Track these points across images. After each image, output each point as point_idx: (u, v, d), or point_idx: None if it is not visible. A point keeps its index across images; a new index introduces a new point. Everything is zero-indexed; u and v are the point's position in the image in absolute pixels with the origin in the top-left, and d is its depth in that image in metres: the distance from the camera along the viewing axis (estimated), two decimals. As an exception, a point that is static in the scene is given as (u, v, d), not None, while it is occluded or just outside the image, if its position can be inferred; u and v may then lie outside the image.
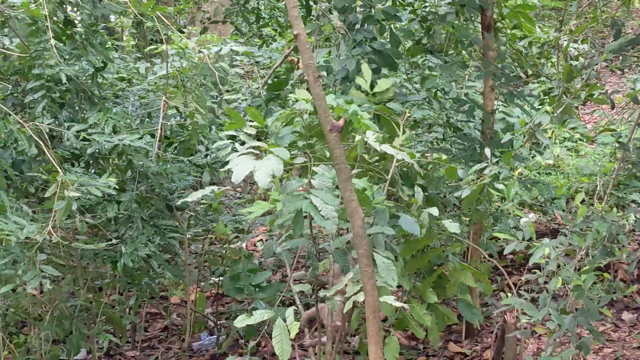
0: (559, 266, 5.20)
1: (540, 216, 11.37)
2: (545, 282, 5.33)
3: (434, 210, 6.65)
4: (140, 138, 7.80)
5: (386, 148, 6.07)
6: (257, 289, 7.91)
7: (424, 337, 8.04)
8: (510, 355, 7.76)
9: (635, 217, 5.52)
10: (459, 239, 7.84)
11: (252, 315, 6.40)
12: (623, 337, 8.95)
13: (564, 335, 5.43)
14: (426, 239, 7.25)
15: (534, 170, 12.55)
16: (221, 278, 9.69)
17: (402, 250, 7.39)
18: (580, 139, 14.05)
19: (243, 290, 8.11)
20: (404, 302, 7.72)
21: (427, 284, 7.53)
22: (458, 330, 9.06)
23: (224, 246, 9.73)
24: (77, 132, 7.26)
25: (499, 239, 9.80)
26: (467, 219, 8.59)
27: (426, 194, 7.27)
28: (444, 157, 6.34)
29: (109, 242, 7.07)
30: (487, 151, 6.47)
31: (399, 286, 8.91)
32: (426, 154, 8.02)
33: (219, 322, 9.52)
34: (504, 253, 5.38)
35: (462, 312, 7.88)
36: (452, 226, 6.63)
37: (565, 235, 5.23)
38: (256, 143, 6.05)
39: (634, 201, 5.62)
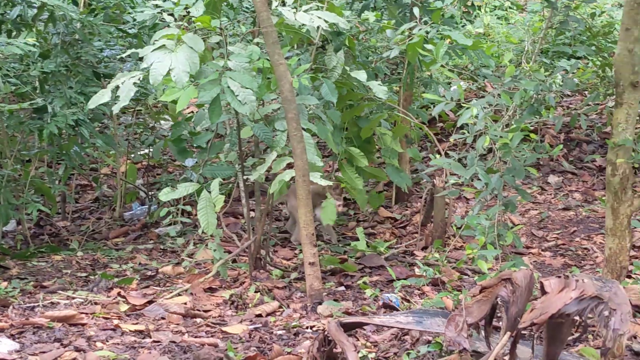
0: (486, 126, 5.25)
1: (470, 84, 11.43)
2: (474, 142, 5.39)
3: (362, 75, 6.63)
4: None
5: (301, 17, 5.98)
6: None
7: (360, 195, 8.14)
8: (439, 217, 7.90)
9: (562, 76, 5.56)
10: (390, 105, 7.87)
11: (176, 188, 6.38)
12: (549, 199, 9.15)
13: (491, 195, 5.51)
14: (352, 96, 7.26)
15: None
16: (151, 149, 9.64)
17: (337, 103, 7.40)
18: (510, 7, 14.04)
19: (187, 151, 8.08)
20: (336, 167, 7.82)
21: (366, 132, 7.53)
22: (388, 196, 9.16)
23: (155, 116, 9.63)
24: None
25: (430, 106, 9.85)
26: (399, 86, 8.61)
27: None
28: (372, 19, 6.28)
29: (33, 102, 6.94)
30: (416, 10, 6.43)
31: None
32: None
33: (150, 192, 9.48)
34: (432, 114, 5.40)
35: (390, 176, 7.98)
36: (380, 90, 6.64)
37: (494, 96, 5.26)
38: (170, 31, 5.90)
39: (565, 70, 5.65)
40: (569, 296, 3.33)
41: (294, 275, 6.95)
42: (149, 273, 7.21)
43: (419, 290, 6.67)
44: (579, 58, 9.15)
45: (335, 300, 6.37)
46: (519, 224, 5.34)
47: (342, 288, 6.76)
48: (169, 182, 9.51)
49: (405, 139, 8.63)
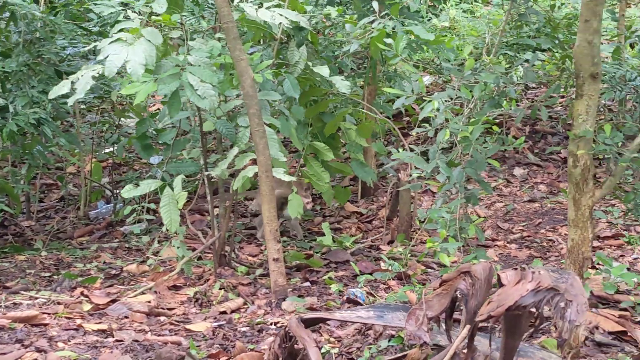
0: (447, 119, 5.24)
1: (437, 78, 11.44)
2: (436, 136, 5.38)
3: (324, 70, 6.61)
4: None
5: (263, 14, 5.96)
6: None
7: (326, 190, 8.13)
8: (405, 211, 7.90)
9: (523, 69, 5.56)
10: (354, 99, 7.85)
11: (138, 185, 6.34)
12: (514, 191, 9.17)
13: (455, 188, 5.51)
14: (315, 92, 7.25)
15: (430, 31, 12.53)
16: (116, 146, 9.57)
17: (300, 99, 7.38)
18: (476, 1, 14.07)
19: (152, 148, 8.04)
20: (302, 161, 7.79)
21: (329, 128, 7.52)
22: (354, 190, 9.16)
23: (119, 113, 9.57)
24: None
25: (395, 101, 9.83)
26: (362, 81, 8.59)
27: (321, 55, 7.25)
28: (334, 14, 6.27)
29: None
30: (375, 4, 6.41)
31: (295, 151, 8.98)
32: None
33: (115, 191, 9.42)
34: (394, 107, 5.39)
35: (355, 170, 7.96)
36: (343, 85, 6.62)
37: (454, 89, 5.26)
38: (129, 24, 5.86)
39: (526, 60, 5.62)
40: (525, 288, 3.33)
41: (259, 271, 6.92)
42: (113, 272, 7.15)
43: (384, 284, 6.66)
44: (543, 51, 9.16)
45: (300, 296, 6.35)
46: (482, 217, 5.32)
47: (308, 284, 6.74)
48: (134, 180, 9.47)
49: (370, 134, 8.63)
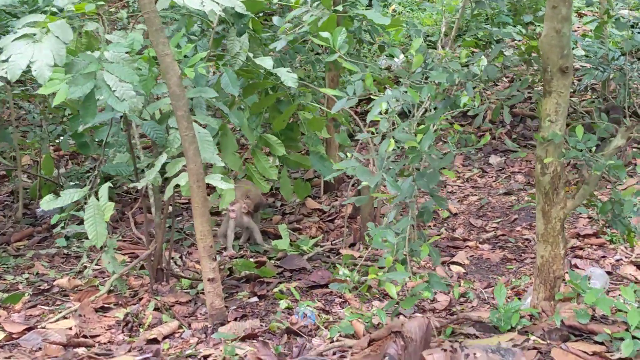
0: (396, 125, 4.54)
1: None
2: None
3: (267, 61, 5.91)
4: None
5: (190, 1, 5.25)
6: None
7: (268, 191, 7.47)
8: (366, 211, 7.23)
9: (483, 64, 4.85)
10: (313, 87, 7.16)
11: (59, 196, 5.65)
12: (490, 182, 8.49)
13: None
14: (262, 84, 6.58)
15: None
16: (62, 138, 8.88)
17: (244, 93, 6.72)
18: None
19: (89, 145, 7.38)
20: (249, 156, 7.11)
21: (278, 124, 6.86)
22: (317, 184, 8.47)
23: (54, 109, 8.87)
24: None
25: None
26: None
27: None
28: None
29: None
30: (307, -4, 5.68)
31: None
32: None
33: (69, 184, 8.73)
34: (332, 111, 4.67)
35: (314, 164, 7.25)
36: (289, 78, 5.93)
37: (402, 92, 4.53)
38: (36, 17, 5.14)
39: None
40: None
41: (202, 285, 6.23)
42: (44, 286, 6.48)
43: (340, 298, 6.01)
44: (512, 40, 8.45)
45: (244, 316, 5.69)
46: (435, 236, 4.63)
47: (255, 299, 6.08)
48: (80, 174, 8.82)
49: (333, 124, 7.93)
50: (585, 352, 4.23)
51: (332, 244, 7.29)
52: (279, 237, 7.42)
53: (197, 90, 5.69)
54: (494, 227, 7.49)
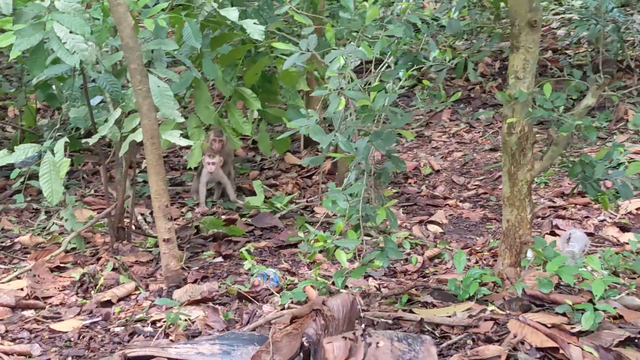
0: (351, 82, 4.26)
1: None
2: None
3: (232, 13, 5.64)
4: None
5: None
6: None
7: (239, 147, 7.25)
8: (344, 168, 6.99)
9: (448, 18, 4.56)
10: (287, 37, 6.88)
11: (13, 151, 5.42)
12: (476, 138, 8.21)
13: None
14: (228, 36, 6.33)
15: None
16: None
17: (211, 45, 6.48)
18: None
19: (56, 96, 7.16)
20: (224, 110, 6.88)
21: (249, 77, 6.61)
22: (297, 138, 8.21)
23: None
24: None
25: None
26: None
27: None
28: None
29: None
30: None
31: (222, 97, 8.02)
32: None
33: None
34: (283, 67, 4.40)
35: (292, 118, 6.98)
36: (255, 30, 5.66)
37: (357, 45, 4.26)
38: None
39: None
40: None
41: (166, 244, 6.01)
42: (7, 243, 6.28)
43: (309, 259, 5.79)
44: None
45: (204, 277, 5.48)
46: (392, 200, 4.38)
47: (220, 259, 5.86)
48: (51, 126, 8.57)
49: (313, 77, 7.65)
50: (543, 325, 4.00)
51: (307, 202, 7.05)
52: (255, 194, 7.18)
53: (157, 42, 5.45)
54: (476, 185, 7.25)
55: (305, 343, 2.79)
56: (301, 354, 2.88)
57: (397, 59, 4.46)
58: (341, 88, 4.10)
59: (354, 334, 2.58)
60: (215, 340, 3.26)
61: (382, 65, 4.47)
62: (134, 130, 5.38)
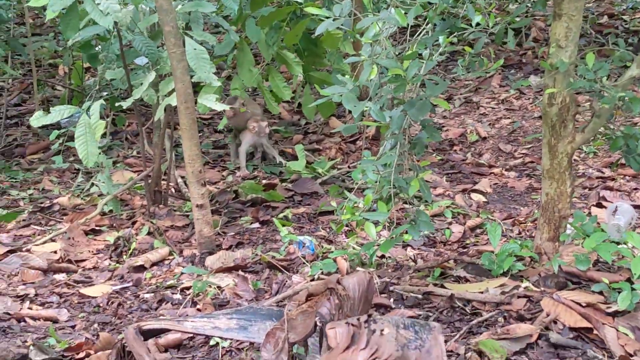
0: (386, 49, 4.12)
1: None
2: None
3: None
4: None
5: None
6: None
7: (277, 112, 7.17)
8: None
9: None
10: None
11: (49, 112, 5.38)
12: (525, 105, 8.01)
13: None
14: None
15: None
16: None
17: (251, 6, 6.38)
18: None
19: (98, 57, 7.10)
20: (263, 73, 6.79)
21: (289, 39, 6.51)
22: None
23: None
24: None
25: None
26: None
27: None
28: None
29: None
30: None
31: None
32: None
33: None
34: (316, 33, 4.29)
35: (336, 82, 6.87)
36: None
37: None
38: None
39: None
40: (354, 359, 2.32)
41: (203, 208, 5.95)
42: (46, 203, 6.27)
43: (347, 226, 5.67)
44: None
45: (239, 243, 5.42)
46: (426, 170, 4.26)
47: (257, 225, 5.79)
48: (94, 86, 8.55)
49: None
50: (577, 304, 3.86)
51: (349, 167, 6.93)
52: (297, 158, 7.08)
53: (194, 4, 5.35)
54: (523, 154, 7.07)
55: (318, 323, 2.70)
56: (316, 333, 2.79)
57: (435, 25, 4.30)
58: (375, 55, 3.96)
59: (358, 319, 2.48)
60: (233, 315, 3.18)
61: (419, 32, 4.32)
62: (170, 93, 5.29)
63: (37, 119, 5.41)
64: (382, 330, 2.39)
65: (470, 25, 4.44)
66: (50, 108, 5.43)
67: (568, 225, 4.51)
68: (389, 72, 3.97)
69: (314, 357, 2.91)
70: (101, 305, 4.56)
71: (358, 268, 4.50)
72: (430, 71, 4.22)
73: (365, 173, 4.09)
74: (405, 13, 3.99)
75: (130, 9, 5.10)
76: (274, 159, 7.08)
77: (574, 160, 4.58)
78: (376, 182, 4.05)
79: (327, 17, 4.11)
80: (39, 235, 5.61)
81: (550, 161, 4.42)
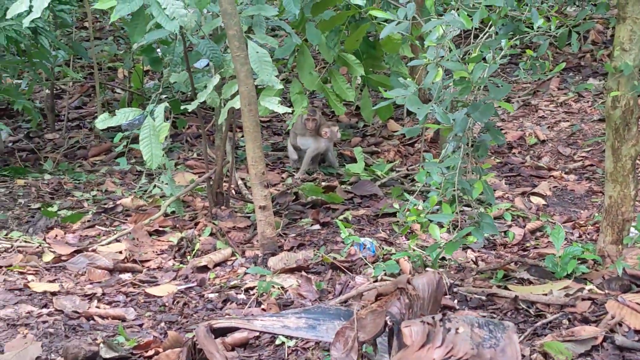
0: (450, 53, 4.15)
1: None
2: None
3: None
4: None
5: None
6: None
7: (342, 114, 7.20)
8: (446, 137, 6.85)
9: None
10: (390, 2, 6.77)
11: (114, 115, 5.47)
12: (584, 108, 7.97)
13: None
14: (328, 3, 6.27)
15: None
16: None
17: (312, 10, 6.43)
18: None
19: (160, 61, 7.20)
20: (327, 76, 6.84)
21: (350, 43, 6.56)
22: (401, 105, 8.07)
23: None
24: None
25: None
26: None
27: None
28: None
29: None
30: None
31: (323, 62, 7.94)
32: None
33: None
34: (381, 36, 4.33)
35: (395, 85, 6.90)
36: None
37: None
38: None
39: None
40: (430, 357, 2.35)
41: (264, 210, 6.01)
42: (109, 205, 6.38)
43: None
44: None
45: (301, 245, 5.46)
46: (489, 173, 4.28)
47: (317, 227, 5.84)
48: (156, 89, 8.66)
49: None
50: (644, 306, 3.86)
51: (408, 170, 6.96)
52: (355, 161, 7.12)
53: (256, 8, 5.42)
54: (582, 157, 7.04)
55: (388, 322, 2.74)
56: (386, 332, 2.83)
57: (499, 28, 4.32)
58: (439, 58, 3.99)
59: (433, 318, 2.52)
60: (302, 314, 3.23)
61: (482, 35, 4.34)
62: (233, 96, 5.36)
63: (103, 121, 5.51)
64: (457, 328, 2.42)
65: (531, 28, 4.46)
66: (115, 111, 5.52)
67: (632, 228, 4.51)
68: (453, 74, 3.99)
69: (383, 357, 2.96)
70: (167, 304, 4.63)
71: (427, 269, 4.53)
72: (493, 74, 4.24)
73: (429, 175, 4.10)
74: (469, 16, 4.01)
75: (194, 12, 5.17)
76: (331, 166, 7.11)
77: (638, 163, 4.56)
78: (440, 184, 4.07)
79: (391, 20, 4.15)
80: (103, 235, 5.71)
81: (614, 164, 4.42)
